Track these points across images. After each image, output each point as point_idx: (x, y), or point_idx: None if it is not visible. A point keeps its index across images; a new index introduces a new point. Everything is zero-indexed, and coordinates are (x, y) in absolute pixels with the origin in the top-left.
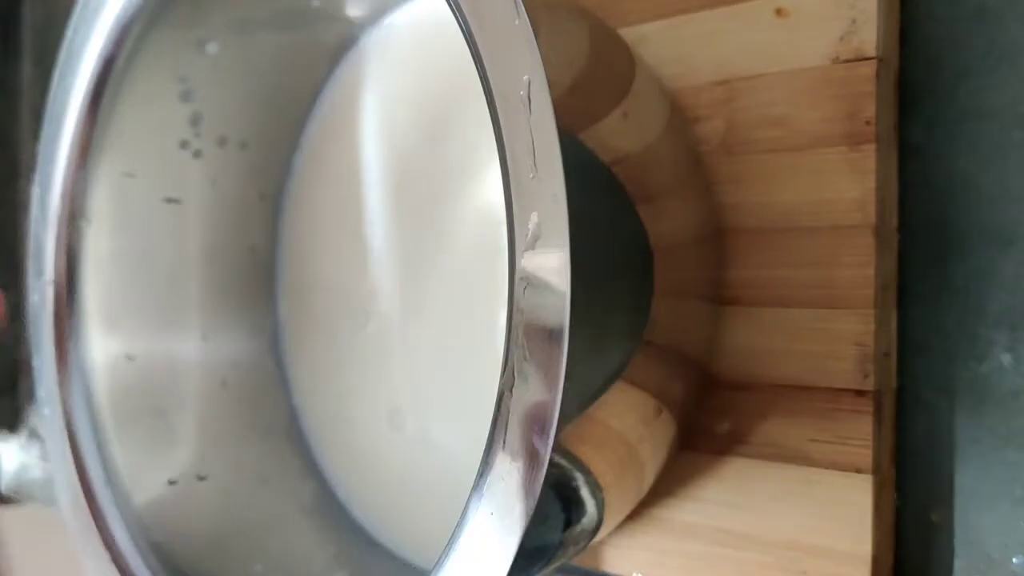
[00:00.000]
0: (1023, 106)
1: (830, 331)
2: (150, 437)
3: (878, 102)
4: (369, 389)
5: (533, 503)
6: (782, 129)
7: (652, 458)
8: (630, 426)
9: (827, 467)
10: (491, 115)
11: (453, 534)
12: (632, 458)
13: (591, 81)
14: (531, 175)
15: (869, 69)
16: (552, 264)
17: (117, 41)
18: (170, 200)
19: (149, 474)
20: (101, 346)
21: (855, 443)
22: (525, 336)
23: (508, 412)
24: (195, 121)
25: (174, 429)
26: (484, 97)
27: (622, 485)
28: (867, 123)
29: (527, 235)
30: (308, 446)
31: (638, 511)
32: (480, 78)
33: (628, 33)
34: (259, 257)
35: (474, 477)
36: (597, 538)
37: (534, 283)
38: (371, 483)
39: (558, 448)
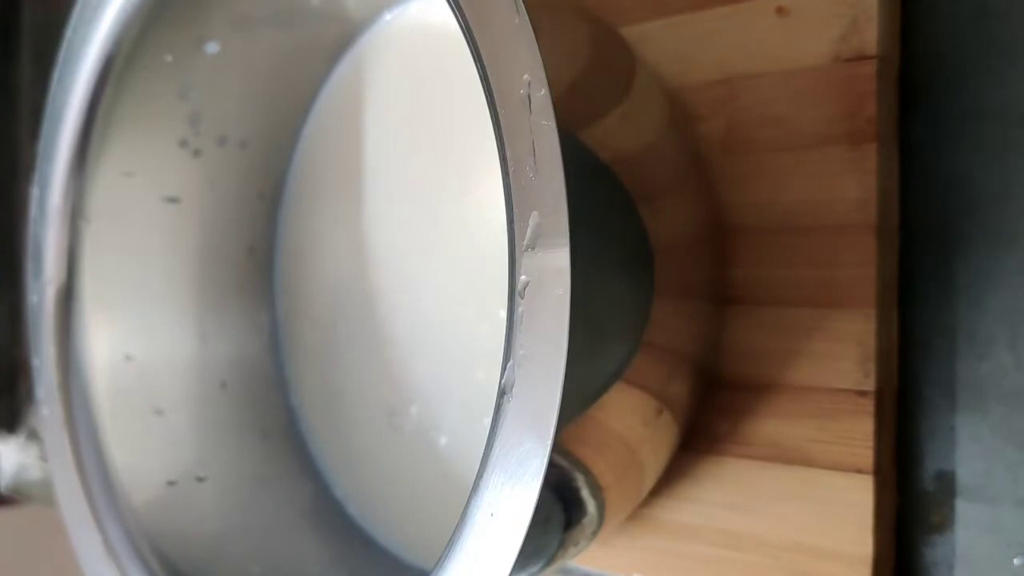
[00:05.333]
0: None
1: (831, 331)
2: (149, 437)
3: (879, 101)
4: (368, 389)
5: (533, 503)
6: (783, 128)
7: (652, 458)
8: (630, 426)
9: (828, 467)
10: (491, 115)
11: (453, 535)
12: (632, 458)
13: (591, 80)
14: (531, 175)
15: (870, 68)
16: (552, 264)
17: (117, 40)
18: (169, 199)
19: (148, 475)
20: (100, 346)
21: (856, 443)
22: (525, 336)
23: (508, 412)
24: (194, 120)
25: (173, 429)
26: (484, 97)
27: (622, 485)
28: (868, 122)
29: (527, 235)
30: (307, 447)
31: (638, 511)
32: (480, 78)
33: (629, 32)
34: (257, 257)
35: (474, 477)
36: (597, 538)
37: (534, 283)
38: (370, 484)
39: (558, 448)
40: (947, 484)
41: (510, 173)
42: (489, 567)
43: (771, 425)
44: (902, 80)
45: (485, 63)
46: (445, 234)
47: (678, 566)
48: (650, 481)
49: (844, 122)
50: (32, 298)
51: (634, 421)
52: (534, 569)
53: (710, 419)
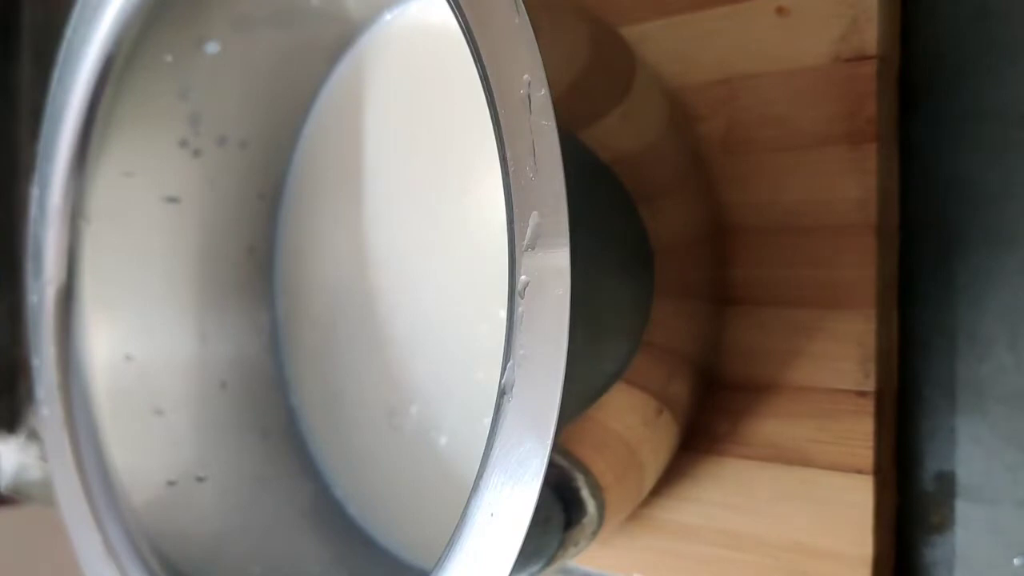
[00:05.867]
0: None
1: (831, 331)
2: (149, 437)
3: (879, 101)
4: (368, 389)
5: (533, 503)
6: (783, 128)
7: (652, 459)
8: (630, 427)
9: (828, 468)
10: (491, 115)
11: (453, 535)
12: (632, 459)
13: (591, 80)
14: (531, 175)
15: (870, 68)
16: (552, 264)
17: (117, 40)
18: (169, 199)
19: (148, 475)
20: (100, 346)
21: (856, 444)
22: (525, 336)
23: (508, 412)
24: (194, 120)
25: (173, 429)
26: (484, 97)
27: (622, 485)
28: (868, 122)
29: (527, 234)
30: (307, 447)
31: (638, 512)
32: (480, 78)
33: (629, 32)
34: (257, 257)
35: (474, 477)
36: (597, 538)
37: (534, 283)
38: (370, 484)
39: (558, 448)
40: (947, 484)
41: (510, 173)
42: (489, 567)
43: (771, 425)
44: (902, 80)
45: (485, 63)
46: (445, 234)
47: (678, 566)
48: (650, 481)
49: (844, 122)
50: (32, 298)
51: (634, 421)
52: (534, 569)
53: (710, 419)
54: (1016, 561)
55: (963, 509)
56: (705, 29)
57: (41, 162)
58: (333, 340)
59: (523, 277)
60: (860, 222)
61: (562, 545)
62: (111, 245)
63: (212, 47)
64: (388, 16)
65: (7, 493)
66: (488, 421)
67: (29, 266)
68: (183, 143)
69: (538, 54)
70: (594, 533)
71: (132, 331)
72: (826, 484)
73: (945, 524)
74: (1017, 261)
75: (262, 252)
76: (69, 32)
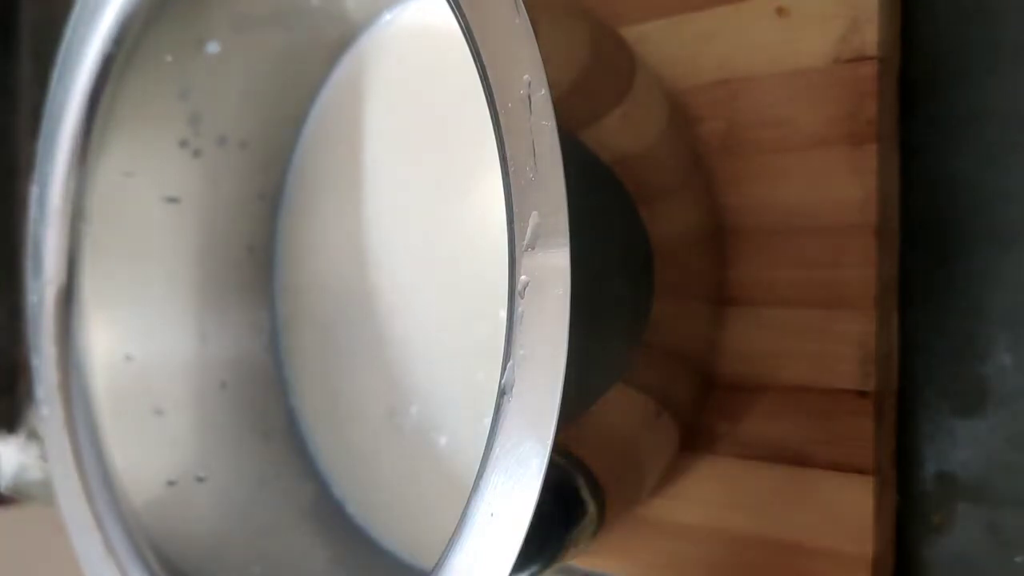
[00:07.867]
0: None
1: (831, 332)
2: (149, 437)
3: (879, 102)
4: (368, 390)
5: (533, 503)
6: (783, 129)
7: (652, 459)
8: (630, 427)
9: (828, 468)
10: (491, 115)
11: (453, 535)
12: (632, 459)
13: (591, 81)
14: (531, 175)
15: (870, 69)
16: (552, 264)
17: (116, 40)
18: (169, 199)
19: (148, 475)
20: (100, 346)
21: (856, 444)
22: (525, 336)
23: (508, 412)
24: (194, 120)
25: (173, 429)
26: (484, 97)
27: (622, 486)
28: (868, 123)
29: (527, 235)
30: (307, 447)
31: (639, 511)
32: (480, 78)
33: (629, 32)
34: (257, 257)
35: (474, 477)
36: (597, 538)
37: (534, 283)
38: (370, 484)
39: (558, 448)
40: (947, 485)
41: (510, 173)
42: (489, 567)
43: (771, 426)
44: (902, 80)
45: (485, 63)
46: (445, 234)
47: (678, 566)
48: (650, 481)
49: (844, 123)
50: (32, 298)
51: (634, 422)
52: (534, 569)
53: (710, 419)
54: (1017, 559)
55: (963, 510)
56: (705, 29)
57: (41, 161)
58: (333, 340)
59: (523, 277)
60: (860, 222)
61: (562, 545)
62: (111, 245)
63: (212, 47)
64: (388, 16)
65: (7, 493)
66: (488, 421)
67: (29, 266)
68: (183, 143)
69: (538, 54)
70: (594, 533)
71: (132, 331)
72: (826, 484)
73: (945, 524)
74: (1017, 262)
75: (262, 252)
76: (69, 32)
